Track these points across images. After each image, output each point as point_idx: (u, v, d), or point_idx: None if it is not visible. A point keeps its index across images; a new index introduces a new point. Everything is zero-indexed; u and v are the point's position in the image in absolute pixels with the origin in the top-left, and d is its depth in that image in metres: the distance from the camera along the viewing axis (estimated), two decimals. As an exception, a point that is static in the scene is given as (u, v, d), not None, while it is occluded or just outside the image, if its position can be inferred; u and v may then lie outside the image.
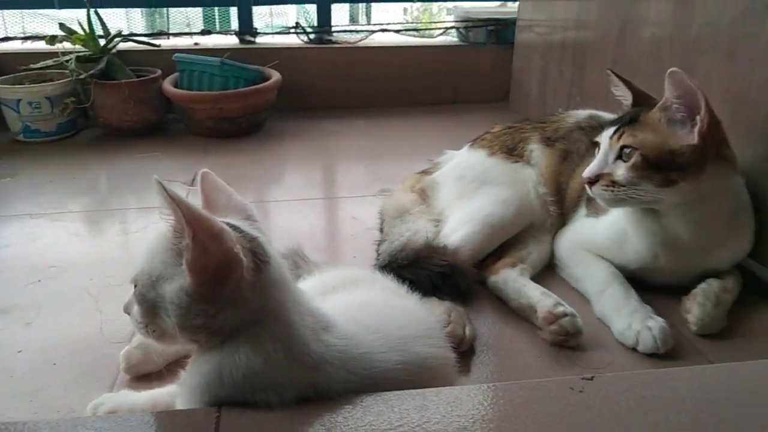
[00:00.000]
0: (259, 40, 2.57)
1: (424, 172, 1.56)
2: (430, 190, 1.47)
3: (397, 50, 2.59)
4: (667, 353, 1.05)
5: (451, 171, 1.47)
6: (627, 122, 1.14)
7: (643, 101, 1.21)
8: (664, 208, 1.13)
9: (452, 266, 1.14)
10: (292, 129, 2.36)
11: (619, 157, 1.13)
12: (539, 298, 1.14)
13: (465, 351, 1.05)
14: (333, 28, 2.58)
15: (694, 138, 1.07)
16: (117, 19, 2.31)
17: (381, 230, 1.40)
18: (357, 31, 2.60)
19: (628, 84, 1.22)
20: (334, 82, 2.54)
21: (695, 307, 1.11)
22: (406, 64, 2.57)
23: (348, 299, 0.90)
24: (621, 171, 1.11)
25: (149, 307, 0.73)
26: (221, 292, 0.70)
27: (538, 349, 1.09)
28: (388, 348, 0.78)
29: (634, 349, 1.07)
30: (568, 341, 1.08)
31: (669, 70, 1.06)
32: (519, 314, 1.18)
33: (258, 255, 0.72)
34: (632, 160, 1.10)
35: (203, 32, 2.57)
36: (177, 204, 0.66)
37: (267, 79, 2.28)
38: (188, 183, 1.83)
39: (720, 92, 1.25)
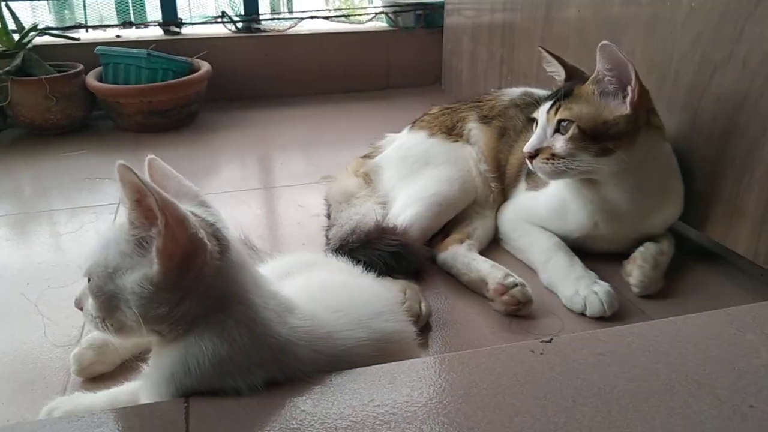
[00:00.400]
0: (184, 30, 2.50)
1: (367, 156, 1.56)
2: (374, 174, 1.48)
3: (328, 37, 2.57)
4: (613, 315, 1.10)
5: (394, 153, 1.48)
6: (562, 96, 1.18)
7: (575, 75, 1.25)
8: (602, 177, 1.18)
9: (404, 245, 1.15)
10: (225, 120, 2.31)
11: (557, 130, 1.17)
12: (489, 270, 1.17)
13: (422, 327, 1.07)
14: (261, 17, 2.54)
15: (626, 108, 1.12)
16: (20, 13, 2.16)
17: (328, 216, 1.40)
18: (286, 19, 2.57)
19: (559, 60, 1.26)
20: (266, 71, 2.50)
21: (636, 269, 1.17)
22: (337, 51, 2.56)
23: (305, 281, 0.90)
24: (560, 143, 1.15)
25: (106, 300, 0.71)
26: (185, 279, 0.69)
27: (491, 320, 1.12)
28: (353, 326, 0.79)
29: (582, 314, 1.12)
30: (520, 310, 1.12)
31: (600, 44, 1.11)
32: (470, 288, 1.20)
33: (219, 240, 0.71)
34: (570, 132, 1.14)
35: (124, 24, 2.47)
36: (150, 190, 0.64)
37: (196, 70, 2.22)
38: (122, 180, 1.76)
39: (644, 65, 1.31)
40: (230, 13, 2.51)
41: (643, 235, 1.24)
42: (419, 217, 1.29)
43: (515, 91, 1.51)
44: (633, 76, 1.11)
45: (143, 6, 2.62)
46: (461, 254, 1.24)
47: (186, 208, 0.69)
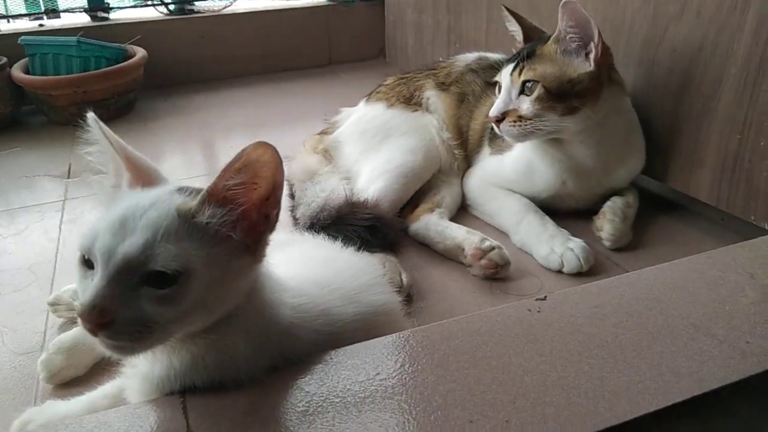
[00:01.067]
0: (113, 15, 2.37)
1: (324, 132, 1.53)
2: (334, 150, 1.44)
3: (265, 15, 2.49)
4: (589, 270, 1.12)
5: (353, 127, 1.45)
6: (525, 57, 1.17)
7: (533, 35, 1.25)
8: (568, 136, 1.19)
9: (378, 218, 1.13)
10: (165, 107, 2.21)
11: (522, 92, 1.16)
12: (465, 236, 1.16)
13: (404, 298, 1.05)
14: (194, -3, 2.44)
15: (590, 65, 1.13)
16: None
17: (292, 196, 1.36)
18: (220, -1, 2.47)
19: (518, 19, 1.25)
20: (203, 53, 2.41)
21: (606, 224, 1.19)
22: (276, 29, 2.49)
23: (285, 257, 0.86)
24: (526, 105, 1.15)
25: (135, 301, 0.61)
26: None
27: (470, 285, 1.12)
28: (345, 301, 0.77)
29: (559, 271, 1.13)
30: (499, 273, 1.11)
31: (563, 1, 1.10)
32: (446, 256, 1.19)
33: None
34: (535, 92, 1.14)
35: (48, 12, 2.32)
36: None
37: (131, 56, 2.11)
38: (64, 176, 1.67)
39: (598, 22, 1.31)
40: (160, -6, 2.40)
41: (608, 190, 1.26)
42: (387, 189, 1.27)
43: (470, 57, 1.50)
44: (596, 33, 1.11)
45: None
46: (434, 223, 1.23)
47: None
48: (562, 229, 1.18)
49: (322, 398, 0.64)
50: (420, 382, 0.66)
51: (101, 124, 0.68)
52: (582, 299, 0.78)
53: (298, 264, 0.84)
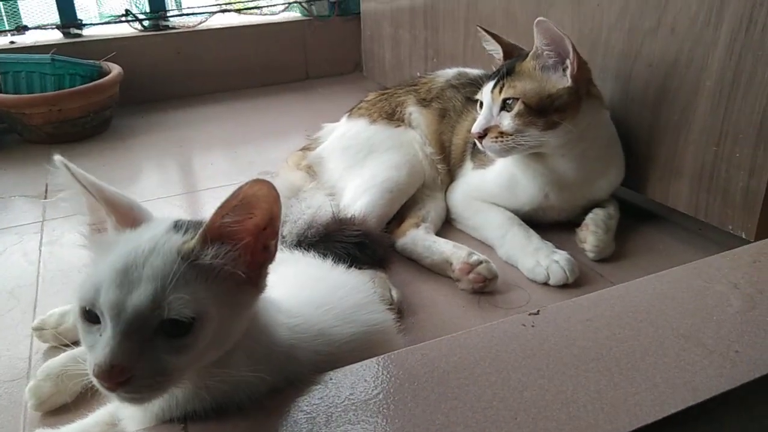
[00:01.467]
0: (86, 32, 2.34)
1: (306, 149, 1.53)
2: (317, 166, 1.45)
3: (241, 30, 2.49)
4: (574, 282, 1.14)
5: (336, 143, 1.46)
6: (505, 74, 1.19)
7: (513, 53, 1.27)
8: (549, 150, 1.21)
9: (366, 234, 1.13)
10: (141, 124, 2.19)
11: (503, 108, 1.18)
12: (452, 251, 1.17)
13: (395, 314, 1.06)
14: (168, 13, 2.42)
15: (567, 81, 1.15)
16: None
17: (276, 213, 1.35)
18: (195, 14, 2.46)
19: (496, 38, 1.28)
20: (179, 69, 2.39)
21: (589, 235, 1.21)
22: (251, 45, 2.49)
23: (279, 277, 0.86)
24: (507, 121, 1.17)
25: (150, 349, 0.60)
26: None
27: (459, 300, 1.13)
28: (340, 321, 0.77)
29: (545, 284, 1.15)
30: (486, 287, 1.13)
31: (536, 20, 1.13)
32: (433, 270, 1.20)
33: None
34: (516, 109, 1.16)
35: (18, 29, 2.29)
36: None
37: (106, 73, 2.09)
38: (40, 196, 1.64)
39: (574, 37, 1.34)
40: (134, 11, 2.38)
41: (590, 201, 1.29)
42: (373, 204, 1.28)
43: (449, 72, 1.52)
44: (570, 49, 1.14)
45: (16, 7, 2.40)
46: (420, 238, 1.24)
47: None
48: (547, 242, 1.20)
49: (324, 419, 0.65)
50: (422, 400, 0.66)
51: (71, 166, 0.64)
52: (573, 313, 0.80)
53: (293, 284, 0.84)
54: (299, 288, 0.83)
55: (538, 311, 0.80)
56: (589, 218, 1.24)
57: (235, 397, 0.65)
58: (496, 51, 1.29)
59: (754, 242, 1.04)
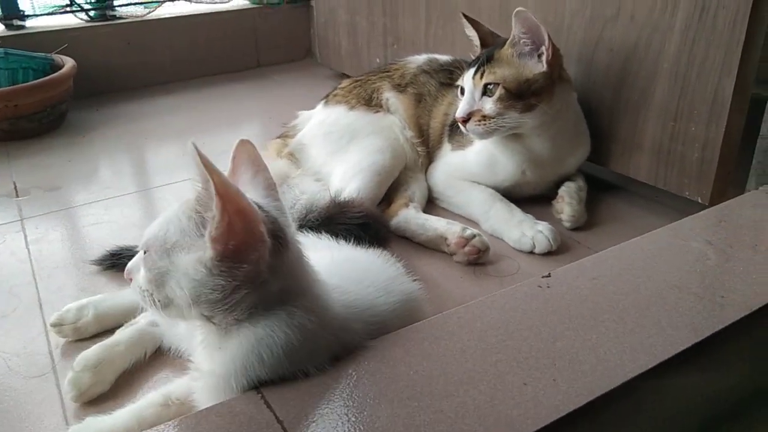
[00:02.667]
0: (29, 23, 2.27)
1: (285, 136, 1.57)
2: (299, 152, 1.50)
3: (192, 19, 2.47)
4: (557, 249, 1.25)
5: (316, 129, 1.51)
6: (485, 62, 1.29)
7: (488, 39, 1.37)
8: (526, 130, 1.32)
9: (368, 215, 1.20)
10: (97, 118, 2.16)
11: (485, 93, 1.28)
12: (446, 227, 1.26)
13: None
14: (115, 3, 2.37)
15: (543, 66, 1.26)
16: None
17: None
18: (143, 3, 2.42)
19: (475, 25, 1.37)
20: (131, 60, 2.36)
21: (566, 206, 1.33)
22: (202, 33, 2.48)
23: (318, 259, 0.92)
24: (489, 105, 1.27)
25: (158, 275, 0.70)
26: (239, 270, 0.69)
27: (455, 272, 1.22)
28: (381, 293, 0.85)
29: (531, 252, 1.26)
30: (480, 258, 1.23)
31: (516, 10, 1.23)
32: (428, 246, 1.29)
33: (278, 237, 0.72)
34: (497, 93, 1.26)
35: (-44, 22, 2.19)
36: (209, 171, 0.63)
37: (58, 66, 2.04)
38: (11, 195, 1.60)
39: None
40: (79, 0, 2.32)
41: (561, 176, 1.41)
42: (364, 188, 1.34)
43: (419, 59, 1.59)
44: (546, 37, 1.24)
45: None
46: (412, 216, 1.32)
47: (252, 198, 0.70)
48: (528, 214, 1.32)
49: (390, 380, 0.72)
50: (470, 355, 0.75)
51: (200, 151, 0.65)
52: (581, 273, 0.91)
53: (329, 263, 0.90)
54: (339, 268, 0.89)
55: (549, 274, 0.91)
56: (563, 191, 1.36)
57: (299, 365, 0.72)
58: (474, 37, 1.38)
59: (710, 206, 1.19)
